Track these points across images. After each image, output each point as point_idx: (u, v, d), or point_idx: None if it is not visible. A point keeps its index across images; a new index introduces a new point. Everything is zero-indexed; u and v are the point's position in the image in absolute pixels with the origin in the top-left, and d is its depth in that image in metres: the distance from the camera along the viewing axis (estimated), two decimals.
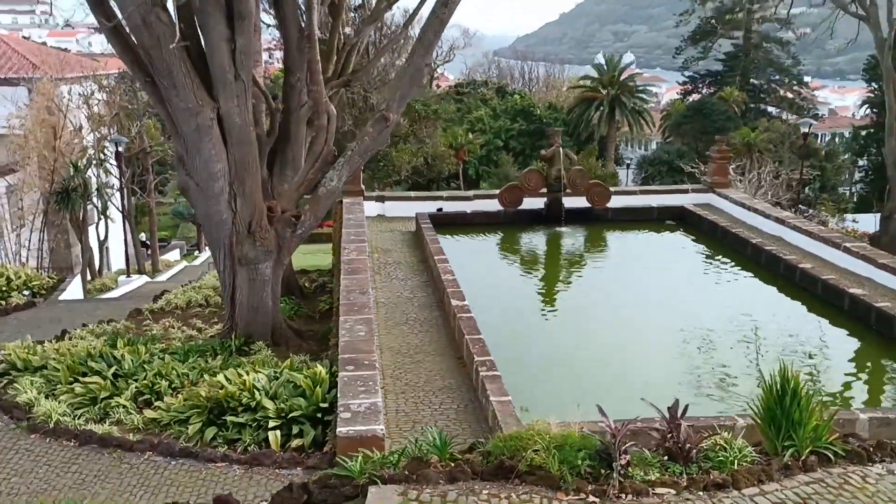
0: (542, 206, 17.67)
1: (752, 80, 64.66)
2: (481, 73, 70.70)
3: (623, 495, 5.29)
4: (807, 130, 28.23)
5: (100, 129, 27.20)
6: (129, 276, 25.31)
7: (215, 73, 11.13)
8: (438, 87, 46.73)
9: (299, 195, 12.34)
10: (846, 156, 52.48)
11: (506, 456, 5.64)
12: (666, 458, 5.71)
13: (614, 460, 5.49)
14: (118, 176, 26.22)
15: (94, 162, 26.01)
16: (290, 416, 8.83)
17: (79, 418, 9.47)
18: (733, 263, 15.19)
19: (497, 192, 18.68)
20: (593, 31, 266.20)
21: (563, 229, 17.49)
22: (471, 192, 19.75)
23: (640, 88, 55.27)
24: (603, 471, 5.50)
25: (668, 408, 5.80)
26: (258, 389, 9.35)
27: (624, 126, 54.52)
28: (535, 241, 17.43)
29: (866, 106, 61.97)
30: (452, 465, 5.72)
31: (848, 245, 14.13)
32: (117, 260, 33.18)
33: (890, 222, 16.62)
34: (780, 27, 61.03)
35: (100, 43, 63.29)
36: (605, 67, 55.12)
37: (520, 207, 17.75)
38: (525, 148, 51.08)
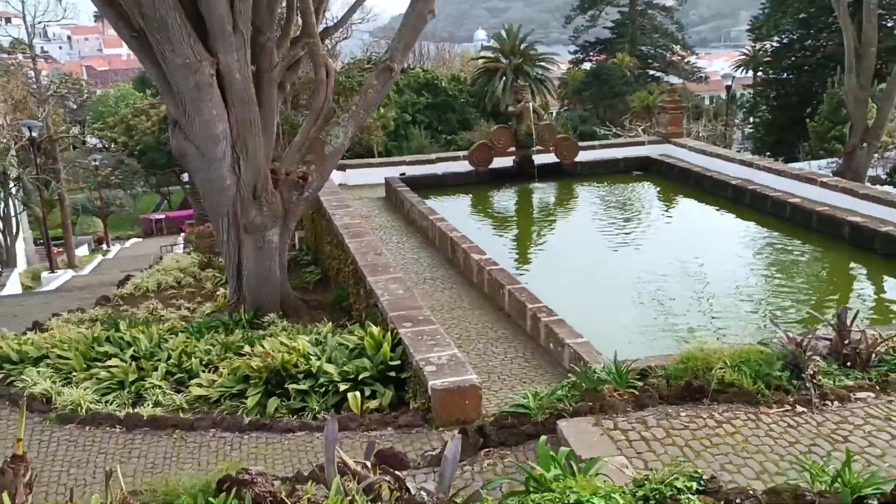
0: (513, 163, 17.48)
1: (640, 46, 66.59)
2: (375, 51, 69.61)
3: (828, 402, 5.17)
4: (729, 83, 29.24)
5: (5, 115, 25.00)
6: (52, 271, 23.48)
7: (213, 25, 10.31)
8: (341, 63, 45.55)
9: (302, 156, 11.63)
10: (739, 115, 54.94)
11: (690, 377, 5.40)
12: (842, 364, 5.63)
13: (804, 370, 5.35)
14: (34, 165, 24.12)
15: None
16: (360, 377, 8.28)
17: (110, 404, 8.60)
18: (714, 205, 15.49)
19: (462, 153, 18.35)
20: (467, 8, 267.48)
21: (535, 185, 17.37)
22: (433, 156, 19.34)
23: (542, 57, 55.84)
24: (794, 382, 5.35)
25: (838, 315, 5.71)
26: (313, 355, 8.75)
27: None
28: (507, 198, 17.24)
29: (742, 68, 65.17)
30: (634, 392, 5.43)
31: (825, 180, 14.63)
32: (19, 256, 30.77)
33: (852, 158, 17.42)
34: None
35: None
36: (506, 37, 55.39)
37: (491, 166, 17.48)
38: (432, 121, 50.76)
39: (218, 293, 13.32)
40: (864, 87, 17.48)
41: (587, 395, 5.44)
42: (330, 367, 8.54)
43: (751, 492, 3.56)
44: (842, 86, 30.13)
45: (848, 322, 5.68)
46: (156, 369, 9.29)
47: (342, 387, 8.22)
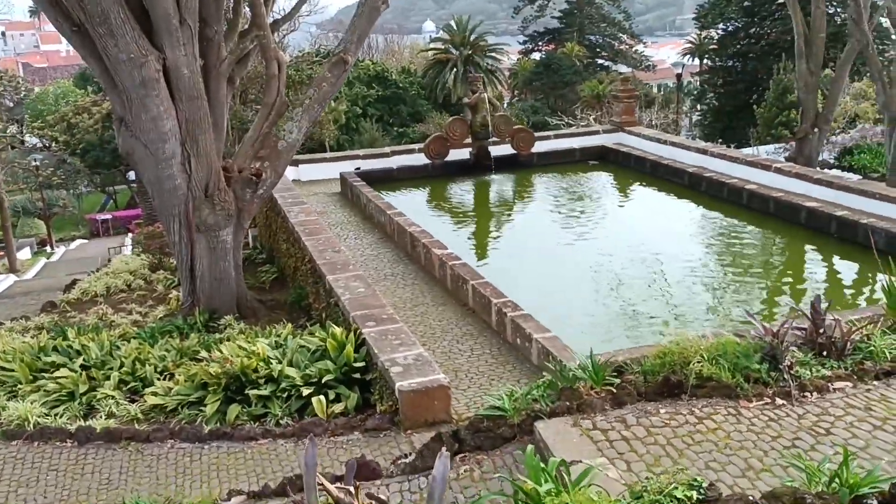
0: (469, 155, 17.29)
1: (588, 35, 66.93)
2: (323, 44, 68.81)
3: (807, 394, 5.09)
4: (680, 71, 29.39)
5: None
6: None
7: (158, 19, 9.91)
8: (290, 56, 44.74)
9: (255, 152, 11.26)
10: (686, 103, 55.57)
11: (667, 372, 5.27)
12: (817, 354, 5.56)
13: (781, 362, 5.26)
14: None
15: None
16: (323, 381, 8.02)
17: (60, 417, 8.20)
18: (670, 193, 15.52)
19: (418, 145, 18.11)
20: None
21: (492, 177, 17.22)
22: (388, 149, 19.05)
23: (492, 48, 55.74)
24: (773, 374, 5.26)
25: (812, 304, 5.64)
26: (274, 359, 8.45)
27: None
28: (465, 191, 17.06)
29: (688, 56, 65.99)
30: (612, 389, 5.29)
31: (779, 166, 14.75)
32: None
33: (804, 143, 17.61)
34: None
35: None
36: (456, 28, 55.15)
37: (447, 159, 17.27)
38: (384, 114, 50.30)
39: (171, 296, 12.89)
40: (814, 72, 17.70)
41: (564, 394, 5.28)
42: (292, 371, 8.26)
43: (751, 497, 3.44)
44: (787, 72, 30.68)
45: (822, 310, 5.62)
46: (108, 379, 8.90)
47: (305, 391, 7.94)
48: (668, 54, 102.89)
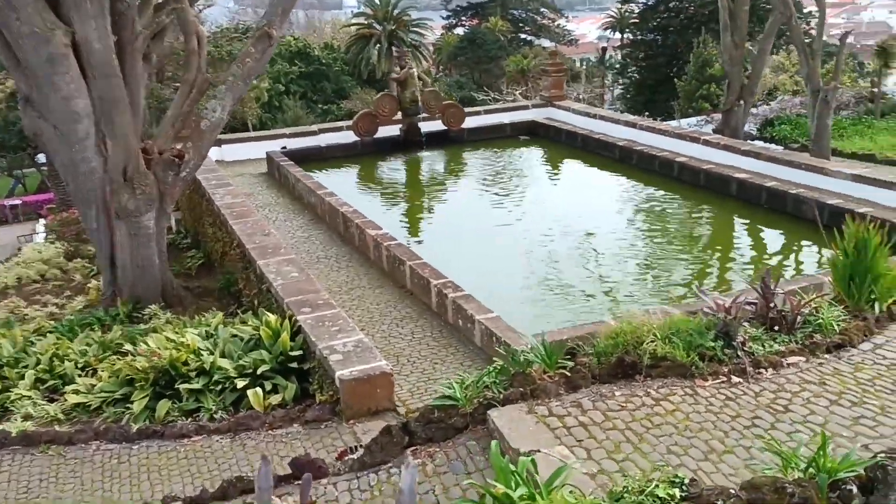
0: (399, 132, 16.93)
1: (511, 10, 66.79)
2: (242, 20, 66.87)
3: (762, 370, 5.01)
4: (605, 44, 29.41)
5: None
6: None
7: None
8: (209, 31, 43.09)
9: (176, 132, 10.69)
10: (609, 77, 56.10)
11: (621, 352, 5.12)
12: (768, 328, 5.50)
13: (734, 338, 5.17)
14: None
15: None
16: (258, 371, 7.65)
17: None
18: (601, 167, 15.51)
19: (346, 123, 17.66)
20: None
21: (423, 154, 16.91)
22: (315, 126, 18.50)
23: (416, 23, 54.99)
24: (727, 351, 5.17)
25: (762, 278, 5.57)
26: (205, 350, 8.03)
27: None
28: (396, 168, 16.70)
29: (610, 30, 66.64)
30: (565, 372, 5.11)
31: (707, 138, 14.88)
32: None
33: (730, 115, 17.83)
34: None
35: None
36: (378, 3, 54.18)
37: (376, 136, 16.87)
38: (307, 91, 49.18)
39: (90, 286, 12.20)
40: (739, 45, 17.91)
41: (516, 379, 5.08)
42: (225, 363, 7.86)
43: (732, 490, 3.29)
44: (706, 46, 31.17)
45: (772, 285, 5.55)
46: (23, 378, 8.34)
47: (240, 383, 7.56)
48: (588, 29, 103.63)
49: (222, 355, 8.03)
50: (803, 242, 11.11)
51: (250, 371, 7.69)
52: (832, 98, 16.11)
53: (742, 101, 18.20)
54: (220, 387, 7.62)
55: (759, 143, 17.23)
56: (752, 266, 10.48)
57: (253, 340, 8.23)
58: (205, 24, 43.77)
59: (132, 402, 7.58)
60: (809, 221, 11.34)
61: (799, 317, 5.46)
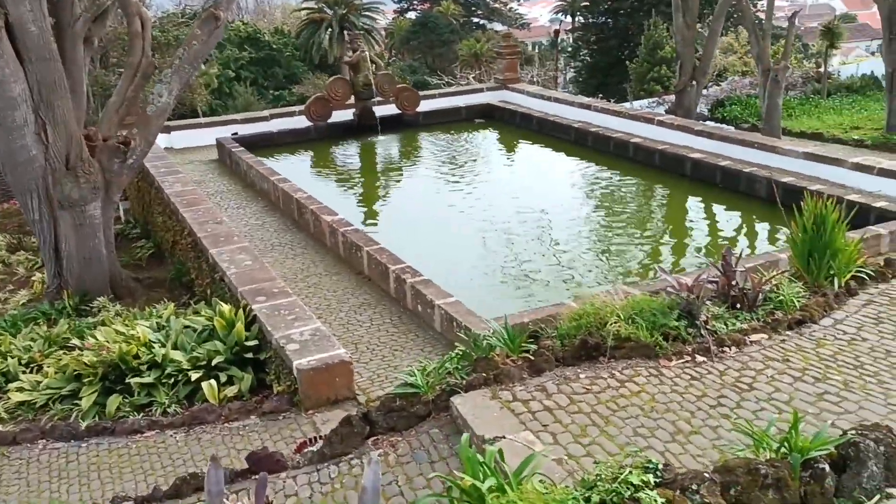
0: (353, 116, 16.67)
1: None
2: (188, 5, 65.41)
3: (725, 349, 4.97)
4: (557, 27, 29.40)
5: None
6: None
7: None
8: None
9: (121, 118, 10.31)
10: (561, 60, 56.24)
11: (584, 334, 5.04)
12: (730, 307, 5.47)
13: (697, 317, 5.13)
14: None
15: None
16: (213, 363, 7.43)
17: None
18: (556, 149, 15.47)
19: (298, 108, 17.34)
20: None
21: (378, 138, 16.68)
22: (267, 112, 18.12)
23: (367, 7, 54.38)
24: (690, 330, 5.12)
25: (723, 256, 5.54)
26: (156, 342, 7.77)
27: None
28: (350, 153, 16.45)
29: (561, 14, 66.82)
30: (529, 356, 5.01)
31: (661, 118, 14.92)
32: None
33: (683, 96, 17.93)
34: None
35: None
36: None
37: (330, 121, 16.59)
38: (258, 77, 48.37)
39: (34, 279, 11.76)
40: (691, 26, 17.98)
41: (479, 364, 4.97)
42: (177, 355, 7.61)
43: (706, 474, 3.22)
44: (656, 28, 31.37)
45: (733, 263, 5.52)
46: None
47: (194, 375, 7.33)
48: (540, 13, 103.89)
49: (175, 347, 7.78)
50: (756, 220, 11.20)
51: (204, 363, 7.47)
52: (782, 78, 16.27)
53: (695, 82, 18.31)
54: (172, 380, 7.38)
55: (712, 124, 17.35)
56: (710, 244, 10.53)
57: (206, 331, 8.00)
58: (150, 9, 42.78)
59: (80, 399, 7.30)
60: (763, 200, 11.47)
61: (760, 294, 5.44)
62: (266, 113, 17.90)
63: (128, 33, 10.49)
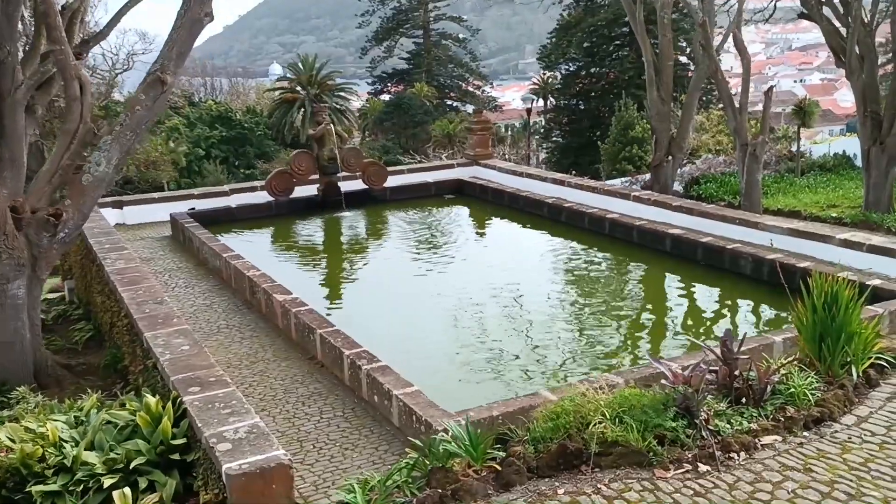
0: (317, 191, 15.96)
1: (437, 76, 67.40)
2: None
3: (733, 455, 4.09)
4: (529, 106, 29.34)
5: None
6: None
7: None
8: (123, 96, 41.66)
9: (53, 188, 9.46)
10: (533, 141, 56.63)
11: (562, 438, 4.14)
12: (733, 401, 4.62)
13: (697, 416, 4.26)
14: None
15: None
16: (132, 466, 6.38)
17: None
18: (529, 225, 14.81)
19: (259, 182, 16.63)
20: (260, 43, 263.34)
21: (343, 214, 15.94)
22: (226, 187, 17.36)
23: (340, 87, 54.61)
24: (689, 431, 4.25)
25: (723, 341, 4.71)
26: (69, 441, 6.72)
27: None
28: (313, 230, 15.66)
29: (534, 98, 67.88)
30: (495, 465, 4.09)
31: (637, 194, 14.37)
32: None
33: (660, 171, 17.48)
34: (456, 24, 64.52)
35: None
36: (302, 67, 53.70)
37: (292, 196, 15.86)
38: (229, 156, 47.96)
39: None
40: (665, 100, 17.70)
41: (434, 477, 4.05)
42: (91, 456, 6.54)
43: None
44: (627, 109, 31.47)
45: (735, 348, 4.69)
46: None
47: (107, 481, 6.27)
48: (512, 96, 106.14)
49: (90, 447, 6.72)
50: (742, 300, 10.49)
51: (122, 465, 6.42)
52: (761, 152, 15.89)
53: (671, 157, 17.90)
54: (82, 486, 6.31)
55: (689, 201, 16.84)
56: (694, 326, 9.76)
57: (129, 427, 6.95)
58: (122, 87, 42.45)
59: None
60: (748, 277, 10.80)
61: (768, 386, 4.60)
62: (226, 188, 17.15)
63: (65, 96, 9.71)
